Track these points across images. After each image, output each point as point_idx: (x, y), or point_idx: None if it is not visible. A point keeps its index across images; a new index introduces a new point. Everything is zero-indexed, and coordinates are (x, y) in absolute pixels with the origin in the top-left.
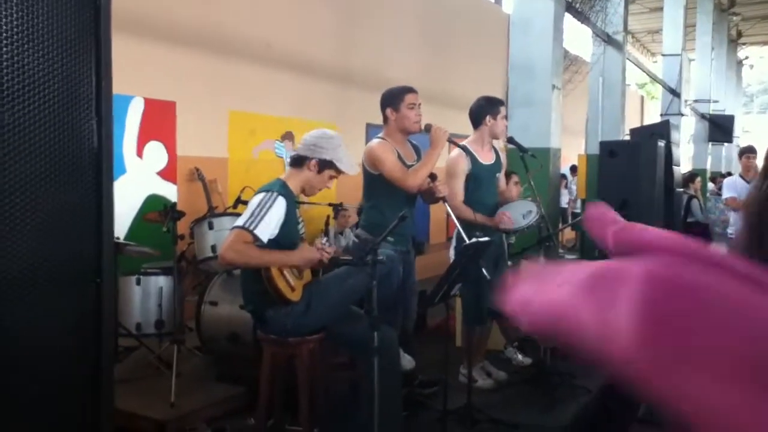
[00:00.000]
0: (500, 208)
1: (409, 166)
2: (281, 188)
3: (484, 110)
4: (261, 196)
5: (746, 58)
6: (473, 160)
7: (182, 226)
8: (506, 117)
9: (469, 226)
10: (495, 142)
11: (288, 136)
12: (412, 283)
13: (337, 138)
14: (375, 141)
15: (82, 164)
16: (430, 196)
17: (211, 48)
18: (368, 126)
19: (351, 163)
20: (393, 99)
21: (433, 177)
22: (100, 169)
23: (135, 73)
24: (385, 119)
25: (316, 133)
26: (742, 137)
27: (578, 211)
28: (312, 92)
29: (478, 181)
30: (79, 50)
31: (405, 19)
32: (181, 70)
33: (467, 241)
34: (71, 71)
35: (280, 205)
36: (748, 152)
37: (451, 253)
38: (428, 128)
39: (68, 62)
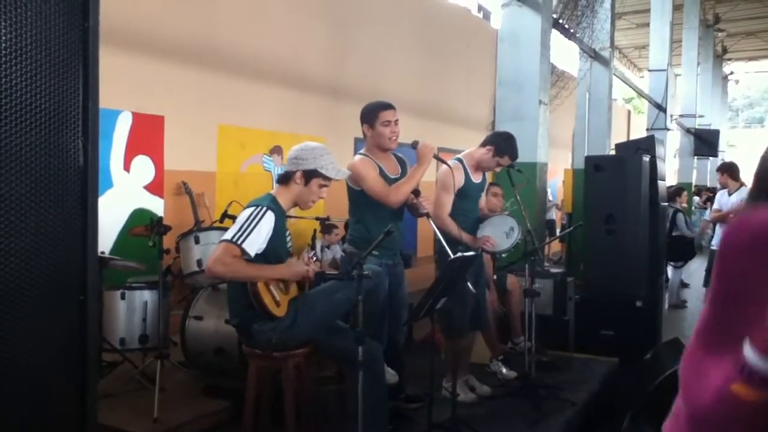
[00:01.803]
0: (481, 223)
1: (392, 180)
2: (271, 202)
3: (497, 146)
4: (250, 210)
5: (731, 73)
6: (467, 175)
7: (168, 241)
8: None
9: (453, 241)
10: None
11: (276, 150)
12: (401, 295)
13: (319, 148)
14: (357, 157)
15: (68, 182)
16: (415, 210)
17: (200, 62)
18: (356, 140)
19: (337, 169)
20: (368, 115)
21: (416, 193)
22: (86, 187)
23: (123, 87)
24: (364, 135)
25: (297, 146)
26: (727, 152)
27: (565, 223)
28: (302, 106)
29: (465, 196)
30: (66, 71)
31: (396, 34)
32: (169, 83)
33: (451, 256)
34: (59, 91)
35: (268, 220)
36: (718, 170)
37: None
38: (415, 145)
39: (56, 82)
